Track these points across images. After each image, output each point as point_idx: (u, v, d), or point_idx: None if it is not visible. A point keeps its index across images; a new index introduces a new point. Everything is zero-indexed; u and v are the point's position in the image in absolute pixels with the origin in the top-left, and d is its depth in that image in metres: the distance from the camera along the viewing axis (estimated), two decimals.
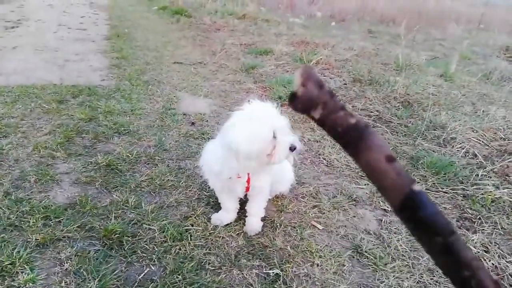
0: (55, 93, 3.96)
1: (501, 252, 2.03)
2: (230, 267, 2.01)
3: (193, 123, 3.55)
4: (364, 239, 2.17)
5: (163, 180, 2.64)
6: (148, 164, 2.85)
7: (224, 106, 4.00)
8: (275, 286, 1.88)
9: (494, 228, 2.17)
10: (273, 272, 1.95)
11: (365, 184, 2.66)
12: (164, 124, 3.51)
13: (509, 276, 1.88)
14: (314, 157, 3.05)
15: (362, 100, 3.89)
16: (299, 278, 1.93)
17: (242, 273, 1.97)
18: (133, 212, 2.29)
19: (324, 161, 2.99)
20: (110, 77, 4.65)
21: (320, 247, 2.12)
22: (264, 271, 1.97)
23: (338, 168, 2.90)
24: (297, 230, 2.26)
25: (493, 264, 1.95)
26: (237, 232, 2.25)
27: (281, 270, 1.96)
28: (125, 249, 2.02)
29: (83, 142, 3.03)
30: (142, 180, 2.63)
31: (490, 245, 2.06)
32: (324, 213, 2.41)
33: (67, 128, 3.21)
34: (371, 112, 3.68)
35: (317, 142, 3.27)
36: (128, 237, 2.10)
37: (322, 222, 2.33)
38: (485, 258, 1.98)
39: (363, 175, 2.76)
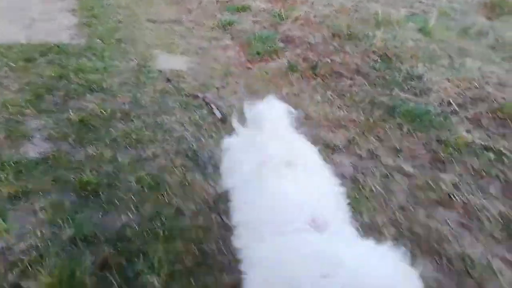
0: (22, 52, 3.76)
1: (471, 189, 2.11)
2: (209, 212, 2.02)
3: (169, 80, 3.46)
4: (340, 183, 2.21)
5: (139, 135, 2.60)
6: (124, 120, 2.78)
7: (201, 63, 3.90)
8: None
9: (464, 169, 2.24)
10: None
11: (343, 133, 2.68)
12: (139, 82, 3.40)
13: (477, 210, 1.97)
14: None
15: (341, 55, 3.85)
16: None
17: (221, 217, 1.99)
18: (108, 165, 2.26)
19: (302, 113, 2.98)
20: (80, 35, 4.44)
21: None
22: None
23: (316, 119, 2.90)
24: None
25: (462, 200, 2.03)
26: (215, 181, 2.26)
27: None
28: (102, 199, 2.00)
29: (54, 100, 2.92)
30: (118, 135, 2.58)
31: (460, 184, 2.14)
32: None
33: (36, 86, 3.08)
34: (350, 65, 3.66)
35: (296, 96, 3.25)
36: (104, 188, 2.07)
37: None
38: (454, 195, 2.05)
39: (340, 125, 2.78)
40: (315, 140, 2.60)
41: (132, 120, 2.77)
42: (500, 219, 1.91)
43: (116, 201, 2.00)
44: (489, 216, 1.93)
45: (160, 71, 3.65)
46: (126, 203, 1.98)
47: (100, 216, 1.87)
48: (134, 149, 2.45)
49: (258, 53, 3.97)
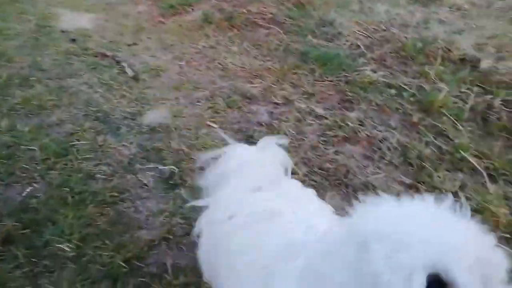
0: None
1: (374, 123, 2.27)
2: (124, 173, 1.97)
3: (73, 40, 3.18)
4: (256, 130, 2.26)
5: (42, 100, 2.39)
6: (23, 86, 2.53)
7: (109, 20, 3.62)
8: (171, 182, 1.91)
9: (369, 105, 2.40)
10: (168, 168, 1.96)
11: (259, 83, 2.70)
12: (39, 43, 3.08)
13: (379, 141, 2.14)
14: (209, 62, 2.97)
15: (256, 4, 3.79)
16: (194, 172, 1.97)
17: (137, 177, 1.95)
18: (6, 135, 2.07)
19: (220, 65, 2.93)
20: None
21: (216, 142, 2.16)
22: (159, 168, 1.97)
23: (233, 71, 2.88)
24: (192, 131, 2.26)
25: (366, 134, 2.19)
26: (130, 141, 2.19)
27: (177, 168, 1.98)
28: (1, 172, 1.85)
29: None
30: (17, 103, 2.35)
31: (365, 120, 2.29)
32: (219, 113, 2.42)
33: None
34: (265, 15, 3.63)
35: (212, 48, 3.18)
36: (3, 160, 1.91)
37: (218, 121, 2.36)
38: (360, 130, 2.20)
39: (257, 75, 2.79)
40: (232, 91, 2.61)
41: (33, 86, 2.53)
42: (398, 147, 2.10)
43: (18, 172, 1.86)
44: (390, 147, 2.11)
45: (63, 31, 3.33)
46: (30, 174, 1.85)
47: (1, 192, 1.74)
48: (36, 116, 2.26)
49: (171, 7, 3.76)
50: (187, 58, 3.01)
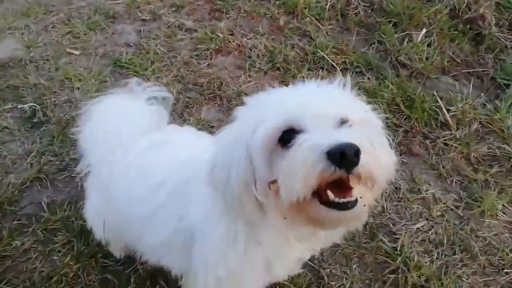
0: None
1: (244, 32, 2.31)
2: None
3: None
4: (124, 52, 2.14)
5: None
6: None
7: None
8: (34, 120, 1.78)
9: (238, 13, 2.39)
10: (28, 107, 1.82)
11: None
12: None
13: (249, 50, 2.20)
14: None
15: None
16: (60, 106, 1.86)
17: None
18: None
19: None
20: None
21: (79, 71, 2.02)
22: (19, 107, 1.82)
23: None
24: (50, 62, 2.06)
25: (237, 43, 2.22)
26: None
27: (38, 104, 1.83)
28: None
29: None
30: None
31: (235, 29, 2.30)
32: (79, 37, 2.21)
33: None
34: None
35: None
36: None
37: (79, 47, 2.17)
38: (230, 40, 2.22)
39: None
40: (91, 11, 2.36)
41: None
42: (266, 53, 2.19)
43: None
44: (258, 54, 2.19)
45: None
46: None
47: None
48: None
49: None
50: None
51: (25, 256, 1.36)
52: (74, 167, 1.59)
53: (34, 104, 1.81)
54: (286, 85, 2.01)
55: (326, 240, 0.88)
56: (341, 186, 0.64)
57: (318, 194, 0.65)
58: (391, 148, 0.76)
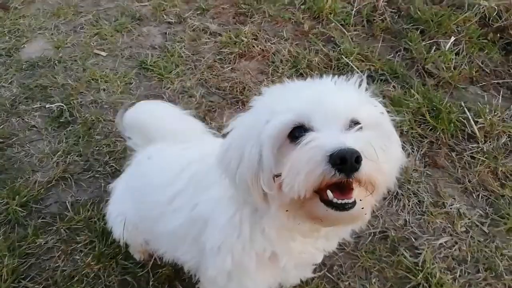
0: None
1: (268, 36, 2.30)
2: (7, 117, 1.84)
3: None
4: (149, 54, 2.17)
5: None
6: None
7: None
8: (61, 120, 1.83)
9: (263, 17, 2.39)
10: (55, 106, 1.86)
11: (148, 0, 2.51)
12: None
13: (273, 55, 2.19)
14: None
15: None
16: (86, 106, 1.90)
17: (23, 119, 1.84)
18: None
19: None
20: None
21: (105, 72, 2.06)
22: (47, 107, 1.87)
23: None
24: (78, 62, 2.11)
25: (261, 48, 2.22)
26: (9, 81, 2.00)
27: (65, 104, 1.88)
28: None
29: None
30: None
31: (259, 33, 2.30)
32: (106, 39, 2.26)
33: None
34: None
35: None
36: None
37: (106, 49, 2.21)
38: (254, 45, 2.22)
39: None
40: (119, 13, 2.41)
41: None
42: (290, 59, 2.18)
43: None
44: (282, 59, 2.18)
45: None
46: None
47: None
48: None
49: None
50: None
51: (49, 254, 1.39)
52: (98, 167, 1.63)
53: (62, 104, 1.86)
54: None
55: (331, 239, 0.89)
56: (343, 187, 0.66)
57: (320, 192, 0.67)
58: (404, 154, 0.79)
